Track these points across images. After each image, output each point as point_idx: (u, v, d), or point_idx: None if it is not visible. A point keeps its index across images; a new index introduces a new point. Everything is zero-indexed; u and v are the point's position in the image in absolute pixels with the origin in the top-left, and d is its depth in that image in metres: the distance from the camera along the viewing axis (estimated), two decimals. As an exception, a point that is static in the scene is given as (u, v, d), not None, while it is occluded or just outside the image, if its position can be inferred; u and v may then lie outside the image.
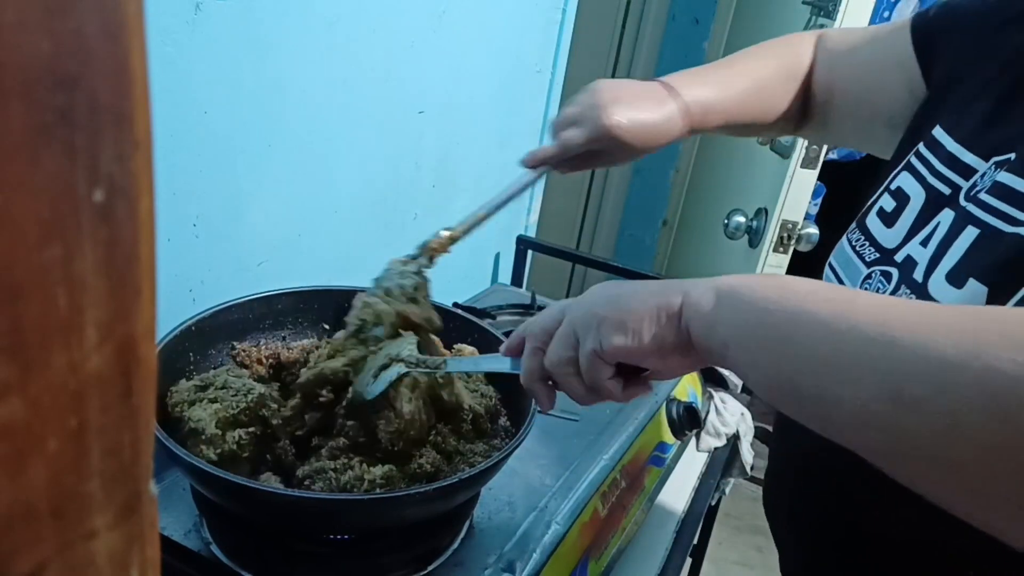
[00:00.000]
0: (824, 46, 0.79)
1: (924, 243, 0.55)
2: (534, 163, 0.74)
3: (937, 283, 0.50)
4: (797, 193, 1.60)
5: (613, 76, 2.25)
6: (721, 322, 0.43)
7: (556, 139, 0.72)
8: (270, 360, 0.81)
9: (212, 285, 0.85)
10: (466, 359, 0.68)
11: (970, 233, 0.50)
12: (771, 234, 1.64)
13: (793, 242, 1.65)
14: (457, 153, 1.21)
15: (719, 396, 1.19)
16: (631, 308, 0.48)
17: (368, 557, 0.69)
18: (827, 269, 0.66)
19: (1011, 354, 0.31)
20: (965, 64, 0.61)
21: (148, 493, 0.21)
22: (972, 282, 0.48)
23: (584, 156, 0.73)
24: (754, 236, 1.70)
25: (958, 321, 0.34)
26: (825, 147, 1.54)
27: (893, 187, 0.62)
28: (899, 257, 0.57)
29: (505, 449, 0.66)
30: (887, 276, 0.57)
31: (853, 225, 0.66)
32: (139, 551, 0.21)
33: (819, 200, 2.00)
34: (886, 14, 1.87)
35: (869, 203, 0.65)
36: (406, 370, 0.67)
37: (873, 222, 0.62)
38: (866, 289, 0.58)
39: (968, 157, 0.55)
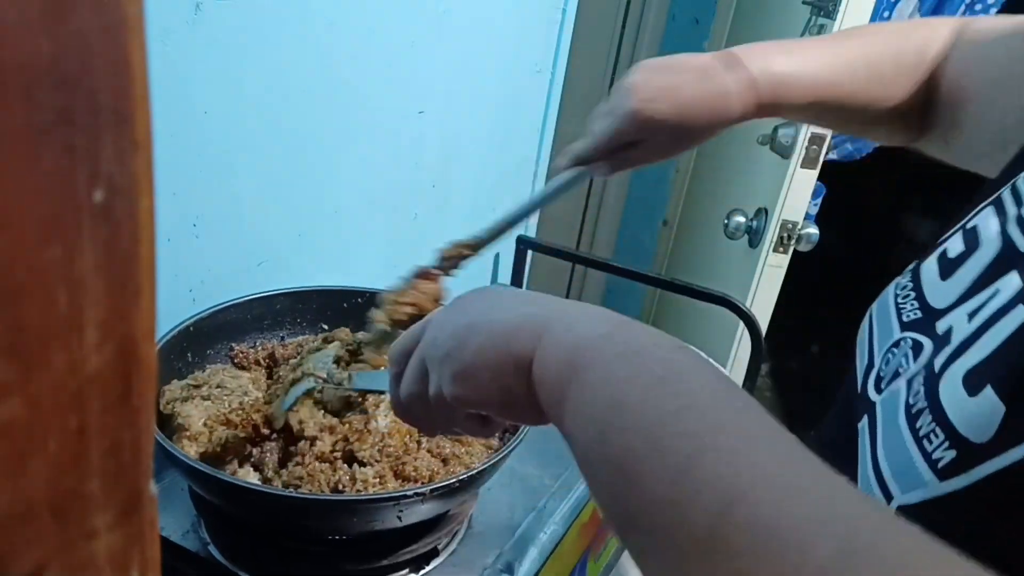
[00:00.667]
0: (965, 35, 0.62)
1: (971, 316, 0.40)
2: (567, 164, 0.64)
3: (951, 381, 0.37)
4: (797, 193, 1.60)
5: (613, 76, 2.25)
6: (569, 403, 0.35)
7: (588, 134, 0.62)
8: (267, 361, 0.81)
9: (212, 285, 0.85)
10: (373, 373, 0.64)
11: (1016, 316, 0.36)
12: (771, 234, 1.64)
13: (793, 242, 1.65)
14: (457, 153, 1.21)
15: (719, 396, 1.18)
16: (475, 352, 0.39)
17: (366, 557, 0.69)
18: (865, 319, 0.52)
19: None
20: None
21: (148, 493, 0.21)
22: (988, 392, 0.34)
23: (626, 150, 0.61)
24: (754, 236, 1.70)
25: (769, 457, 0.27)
26: (825, 147, 1.54)
27: (969, 225, 0.46)
28: (942, 326, 0.42)
29: (502, 451, 0.66)
30: (917, 348, 0.42)
31: (909, 268, 0.50)
32: (139, 551, 0.21)
33: (819, 200, 2.00)
34: (886, 14, 1.87)
35: (938, 243, 0.49)
36: (314, 384, 0.67)
37: (930, 268, 0.47)
38: (888, 360, 0.45)
39: None
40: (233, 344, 0.82)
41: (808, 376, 2.87)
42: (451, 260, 0.66)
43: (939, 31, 0.63)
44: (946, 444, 0.34)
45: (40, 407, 0.17)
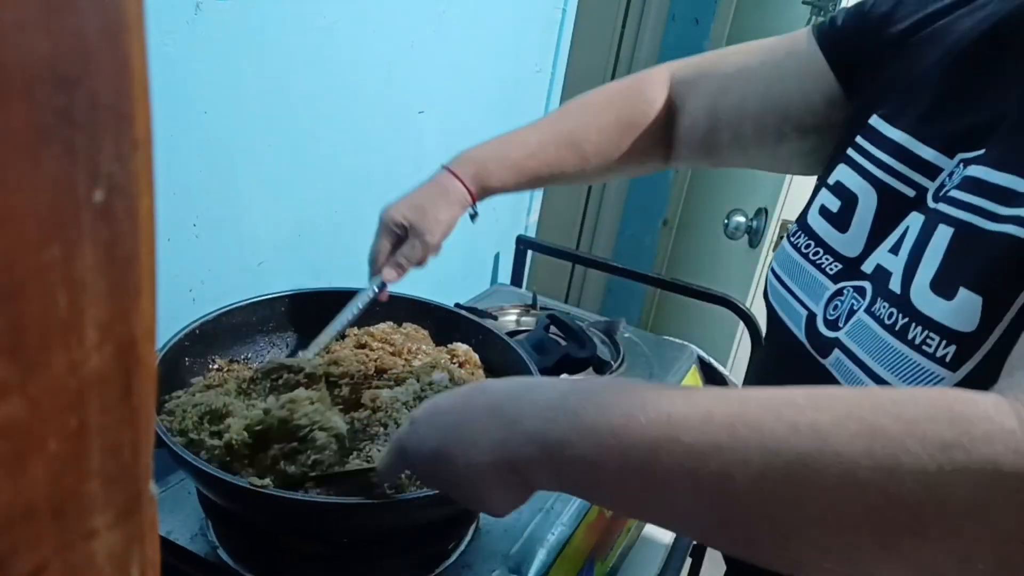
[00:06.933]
0: (694, 74, 0.78)
1: (894, 250, 0.51)
2: (370, 278, 0.81)
3: (921, 294, 0.46)
4: (797, 193, 1.60)
5: (613, 76, 2.25)
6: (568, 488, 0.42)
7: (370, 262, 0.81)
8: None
9: (212, 285, 0.85)
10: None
11: (944, 233, 0.46)
12: (771, 234, 1.64)
13: (793, 242, 1.65)
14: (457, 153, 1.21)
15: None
16: (466, 477, 0.44)
17: (375, 560, 0.68)
18: (771, 278, 0.64)
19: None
20: (899, 56, 0.59)
21: (148, 493, 0.21)
22: (963, 292, 0.43)
23: (396, 254, 0.78)
24: (754, 236, 1.70)
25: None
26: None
27: (832, 182, 0.59)
28: (868, 267, 0.54)
29: None
30: (861, 292, 0.53)
31: (795, 227, 0.63)
32: (139, 551, 0.21)
33: (819, 200, 2.01)
34: (886, 14, 1.87)
35: (809, 200, 0.62)
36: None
37: (818, 223, 0.59)
38: (836, 306, 0.55)
39: (926, 152, 0.52)
40: (216, 357, 0.80)
41: (808, 376, 2.85)
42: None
43: (650, 85, 0.79)
44: (944, 342, 0.43)
45: (40, 407, 0.17)
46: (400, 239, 0.78)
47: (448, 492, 0.47)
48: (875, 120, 0.57)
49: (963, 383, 0.42)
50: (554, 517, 0.78)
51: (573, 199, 2.47)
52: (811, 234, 0.60)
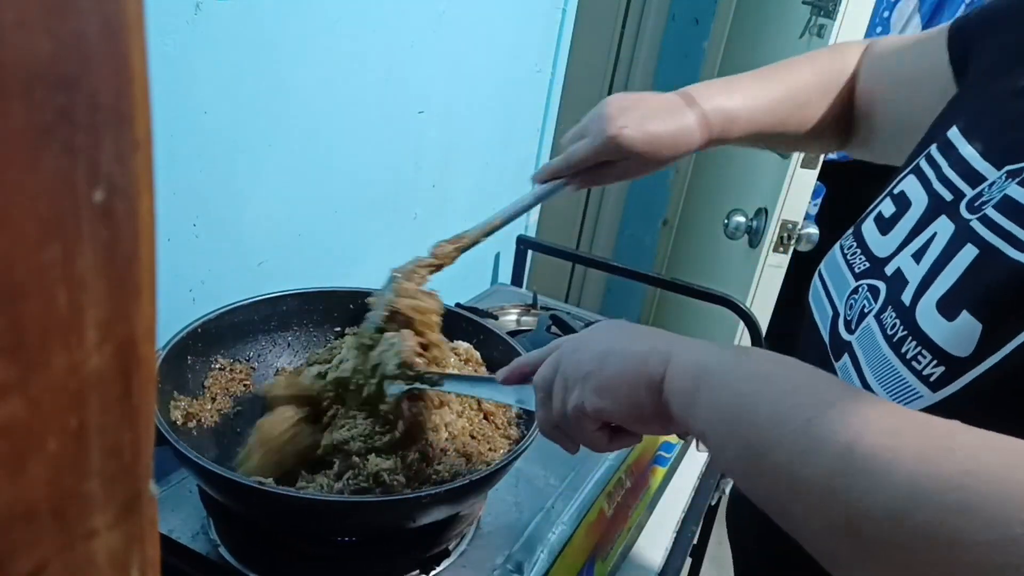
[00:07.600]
0: (871, 54, 0.74)
1: (917, 257, 0.49)
2: (544, 177, 0.73)
3: (926, 310, 0.44)
4: (797, 193, 1.60)
5: (613, 76, 2.25)
6: (699, 407, 0.42)
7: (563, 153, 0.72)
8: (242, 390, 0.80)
9: (212, 285, 0.85)
10: (464, 381, 0.67)
11: (968, 253, 0.44)
12: (771, 234, 1.64)
13: (793, 242, 1.65)
14: (457, 153, 1.21)
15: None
16: (614, 372, 0.47)
17: (376, 559, 0.68)
18: (816, 279, 0.62)
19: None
20: (995, 65, 0.55)
21: (148, 493, 0.21)
22: (965, 315, 0.41)
23: (596, 169, 0.71)
24: (754, 236, 1.70)
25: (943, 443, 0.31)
26: (825, 147, 1.53)
27: (896, 191, 0.56)
28: (889, 269, 0.51)
29: (513, 452, 0.66)
30: (874, 292, 0.51)
31: (849, 231, 0.61)
32: (139, 551, 0.21)
33: (819, 200, 2.00)
34: (886, 14, 1.87)
35: (869, 208, 0.60)
36: (407, 388, 0.67)
37: (869, 228, 0.57)
38: (851, 305, 0.53)
39: (980, 164, 0.49)
40: (219, 356, 0.80)
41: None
42: (442, 260, 0.74)
43: (850, 54, 0.76)
44: (934, 362, 0.42)
45: (40, 407, 0.17)
46: (608, 161, 0.69)
47: (589, 391, 0.48)
48: (953, 132, 0.54)
49: (938, 405, 0.41)
50: (554, 517, 0.78)
51: (573, 199, 2.47)
52: (858, 237, 0.58)
